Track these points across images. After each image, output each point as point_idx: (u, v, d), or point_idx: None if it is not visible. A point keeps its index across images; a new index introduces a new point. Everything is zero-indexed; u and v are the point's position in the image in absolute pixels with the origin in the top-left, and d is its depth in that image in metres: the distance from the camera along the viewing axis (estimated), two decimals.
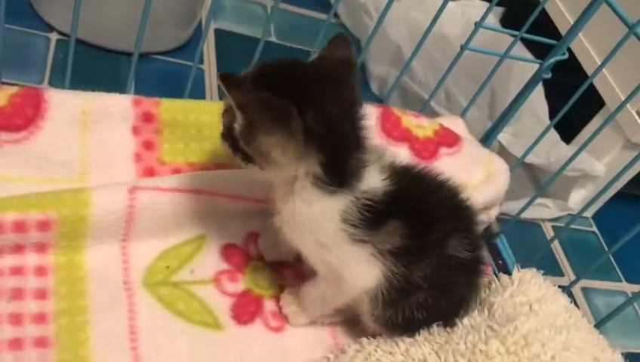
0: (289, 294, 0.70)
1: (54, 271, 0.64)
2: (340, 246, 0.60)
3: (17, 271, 0.63)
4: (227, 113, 0.59)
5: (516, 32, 0.85)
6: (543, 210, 1.14)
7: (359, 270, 0.61)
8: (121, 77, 1.00)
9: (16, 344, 0.59)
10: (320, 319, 0.70)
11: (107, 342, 0.61)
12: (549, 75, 0.87)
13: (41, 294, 0.63)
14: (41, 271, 0.64)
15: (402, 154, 0.82)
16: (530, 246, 1.05)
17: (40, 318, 0.61)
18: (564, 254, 1.14)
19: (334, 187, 0.58)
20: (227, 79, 0.54)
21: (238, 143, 0.58)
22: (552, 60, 0.85)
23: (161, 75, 1.04)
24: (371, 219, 0.59)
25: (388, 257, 0.61)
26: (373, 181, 0.60)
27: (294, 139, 0.55)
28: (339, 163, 0.58)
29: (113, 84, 0.98)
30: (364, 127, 0.60)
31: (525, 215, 1.05)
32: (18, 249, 0.63)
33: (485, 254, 0.71)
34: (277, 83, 0.56)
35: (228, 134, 0.59)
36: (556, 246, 1.15)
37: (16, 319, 0.60)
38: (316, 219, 0.59)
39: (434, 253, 0.62)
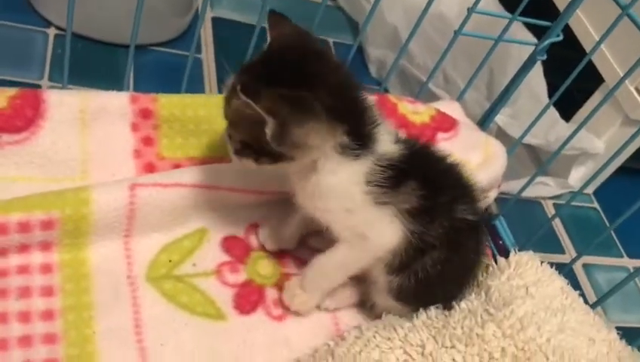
0: (289, 288, 0.71)
1: (60, 269, 0.66)
2: (365, 208, 0.63)
3: (24, 269, 0.65)
4: (237, 127, 0.61)
5: (510, 15, 0.85)
6: (544, 189, 1.15)
7: (383, 229, 0.64)
8: (120, 69, 1.01)
9: (25, 341, 0.61)
10: (325, 303, 0.72)
11: (113, 337, 0.63)
12: (544, 57, 0.87)
13: (48, 291, 0.64)
14: (46, 268, 0.66)
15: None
16: (531, 225, 1.06)
17: (47, 315, 0.63)
18: (565, 231, 1.15)
19: (359, 151, 0.61)
20: (249, 91, 0.56)
21: (264, 150, 0.59)
22: (546, 43, 0.84)
23: (159, 67, 1.04)
24: (392, 179, 0.62)
25: (406, 216, 0.63)
26: (388, 144, 0.64)
27: (321, 120, 0.58)
28: (360, 127, 0.62)
29: (112, 77, 0.99)
30: (364, 91, 0.64)
31: (526, 193, 1.06)
32: (23, 248, 0.65)
33: (485, 230, 0.73)
34: (281, 77, 0.58)
35: (246, 147, 0.61)
36: (557, 223, 1.15)
37: (24, 317, 0.62)
38: (343, 186, 0.62)
39: (445, 214, 0.65)
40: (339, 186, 0.62)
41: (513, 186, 1.01)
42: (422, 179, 0.64)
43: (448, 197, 0.66)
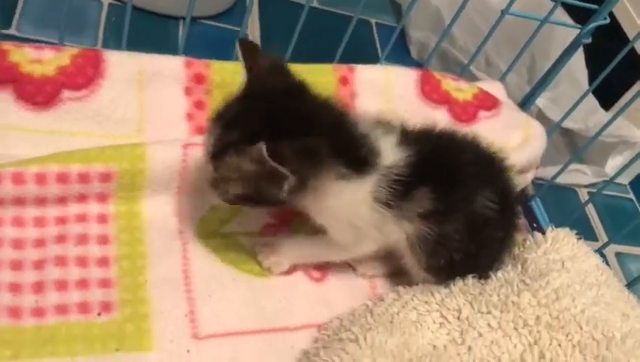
0: (264, 246, 0.72)
1: (115, 219, 0.70)
2: (373, 223, 0.64)
3: (82, 218, 0.68)
4: (232, 183, 0.60)
5: None
6: (580, 176, 1.15)
7: (386, 234, 0.65)
8: (169, 40, 1.04)
9: (83, 284, 0.64)
10: (361, 270, 0.74)
11: (164, 286, 0.66)
12: (589, 40, 0.87)
13: (104, 240, 0.68)
14: (102, 218, 0.69)
15: (441, 117, 0.85)
16: (566, 211, 1.07)
17: (103, 261, 0.66)
18: (599, 220, 1.15)
19: (358, 173, 0.61)
20: (276, 153, 0.55)
21: (267, 199, 0.60)
22: (592, 25, 0.85)
23: (207, 39, 1.07)
24: (401, 191, 0.62)
25: (417, 220, 0.64)
26: (392, 154, 0.63)
27: (329, 165, 0.59)
28: (357, 152, 0.61)
29: (161, 47, 1.02)
30: (348, 113, 0.64)
31: (562, 180, 1.07)
32: (82, 198, 0.69)
33: (518, 207, 0.74)
34: (283, 128, 0.58)
35: (242, 199, 0.61)
36: (591, 211, 1.16)
37: (82, 261, 0.66)
38: (348, 207, 0.62)
39: (461, 210, 0.66)
40: (344, 208, 0.62)
41: (549, 172, 1.02)
42: (434, 181, 0.63)
43: (465, 191, 0.66)
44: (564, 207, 1.11)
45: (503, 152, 0.72)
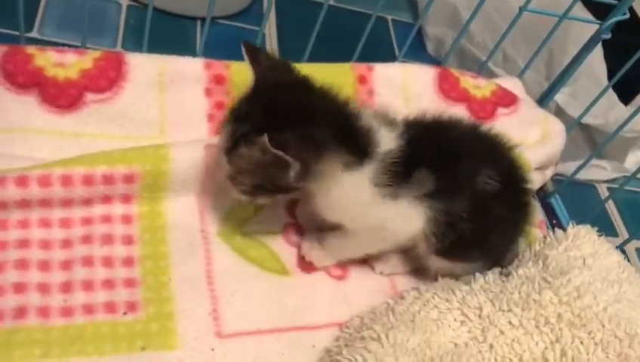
0: (308, 241, 0.73)
1: (138, 220, 0.71)
2: (378, 207, 0.65)
3: (107, 219, 0.70)
4: (247, 174, 0.63)
5: None
6: (599, 172, 1.14)
7: (402, 219, 0.66)
8: (187, 40, 1.05)
9: (109, 284, 0.65)
10: (380, 268, 0.75)
11: (187, 285, 0.68)
12: (609, 36, 0.87)
13: (128, 240, 0.69)
14: (126, 219, 0.70)
15: (459, 115, 0.85)
16: (585, 208, 1.06)
17: (128, 261, 0.68)
18: (620, 215, 1.14)
19: (359, 161, 0.63)
20: (277, 142, 0.58)
21: (280, 187, 0.63)
22: (612, 20, 0.85)
23: (224, 39, 1.08)
24: (400, 173, 0.64)
25: (425, 200, 0.65)
26: (388, 141, 0.65)
27: (332, 150, 0.62)
28: (358, 140, 0.64)
29: (179, 47, 1.03)
30: (350, 102, 0.67)
31: (581, 176, 1.06)
32: (107, 199, 0.70)
33: (528, 185, 0.73)
34: (288, 120, 0.61)
35: (259, 189, 0.64)
36: (611, 207, 1.15)
37: (107, 261, 0.67)
38: (351, 195, 0.64)
39: (465, 188, 0.67)
40: (347, 196, 0.64)
41: (568, 168, 1.02)
42: (433, 162, 0.65)
43: (466, 169, 0.67)
44: (583, 203, 1.11)
45: (502, 134, 0.73)
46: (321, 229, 0.72)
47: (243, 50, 0.66)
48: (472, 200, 0.66)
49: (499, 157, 0.71)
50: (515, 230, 0.73)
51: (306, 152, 0.60)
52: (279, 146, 0.58)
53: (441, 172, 0.65)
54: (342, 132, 0.63)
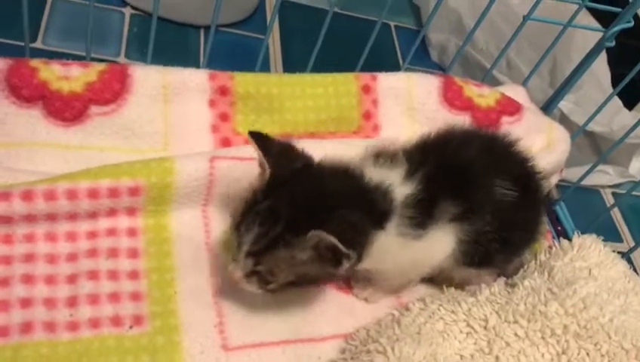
0: (358, 282, 0.73)
1: (144, 233, 0.71)
2: (408, 251, 0.65)
3: (112, 232, 0.70)
4: (282, 273, 0.61)
5: (579, 1, 0.85)
6: (604, 177, 1.14)
7: (433, 250, 0.67)
8: (190, 48, 1.05)
9: (114, 297, 0.65)
10: (356, 292, 0.74)
11: (192, 297, 0.68)
12: (613, 44, 0.87)
13: (133, 253, 0.69)
14: (132, 232, 0.70)
15: (464, 124, 0.84)
16: (589, 213, 1.06)
17: (133, 275, 0.68)
18: (624, 221, 1.14)
19: (384, 224, 0.63)
20: (349, 242, 0.57)
21: (315, 279, 0.64)
22: (616, 29, 0.84)
23: (228, 47, 1.08)
24: (421, 213, 0.64)
25: (451, 225, 0.66)
26: (403, 188, 0.64)
27: (369, 226, 0.61)
28: (382, 205, 0.63)
29: (183, 55, 1.04)
30: (358, 170, 0.65)
31: (585, 181, 1.06)
32: (112, 212, 0.70)
33: (539, 181, 0.74)
34: (330, 215, 0.59)
35: (289, 284, 0.63)
36: (616, 213, 1.15)
37: (113, 275, 0.67)
38: (381, 254, 0.63)
39: (486, 203, 0.67)
40: (377, 258, 0.63)
41: (573, 174, 1.02)
42: (452, 189, 0.65)
43: (482, 187, 0.67)
44: (587, 208, 1.10)
45: (508, 135, 0.73)
46: None
47: (251, 142, 0.64)
48: (493, 212, 0.67)
49: (507, 161, 0.71)
50: (535, 228, 0.74)
51: (359, 240, 0.59)
52: (345, 242, 0.57)
53: (460, 196, 0.65)
54: (368, 205, 0.62)
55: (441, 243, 0.66)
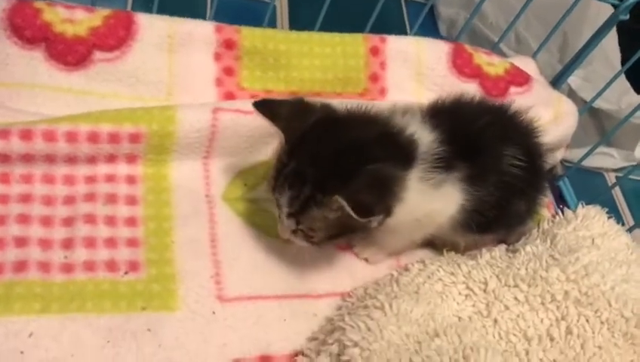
0: (361, 240, 0.72)
1: (143, 181, 0.70)
2: (425, 200, 0.64)
3: (111, 178, 0.69)
4: (322, 229, 0.61)
5: None
6: (608, 160, 1.13)
7: (444, 206, 0.66)
8: (197, 9, 1.03)
9: (111, 242, 0.65)
10: (357, 251, 0.73)
11: (190, 247, 0.67)
12: (627, 17, 0.85)
13: (132, 200, 0.68)
14: (131, 180, 0.70)
15: (471, 91, 0.83)
16: (593, 196, 1.05)
17: (131, 221, 0.67)
18: (627, 204, 1.13)
19: (410, 169, 0.62)
20: (365, 210, 0.57)
21: (354, 228, 0.62)
22: (631, 1, 0.83)
23: (233, 8, 1.06)
24: (439, 165, 0.63)
25: (461, 183, 0.65)
26: (426, 142, 0.64)
27: (398, 177, 0.61)
28: (406, 154, 0.62)
29: (189, 14, 1.02)
30: (381, 116, 0.65)
31: (590, 164, 1.05)
32: (111, 158, 0.69)
33: (544, 159, 0.74)
34: (358, 171, 0.58)
35: (333, 236, 0.63)
36: (619, 196, 1.14)
37: (110, 220, 0.66)
38: (403, 206, 0.62)
39: (492, 171, 0.66)
40: (406, 209, 0.62)
41: (577, 154, 1.01)
42: (464, 151, 0.64)
43: (492, 153, 0.67)
44: (591, 191, 1.09)
45: (517, 107, 0.72)
46: None
47: (257, 112, 0.63)
48: (497, 182, 0.66)
49: (518, 133, 0.70)
50: (535, 199, 0.73)
51: (384, 199, 0.58)
52: (362, 212, 0.56)
53: (469, 159, 0.65)
54: (396, 151, 0.61)
55: (452, 197, 0.65)
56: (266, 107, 0.63)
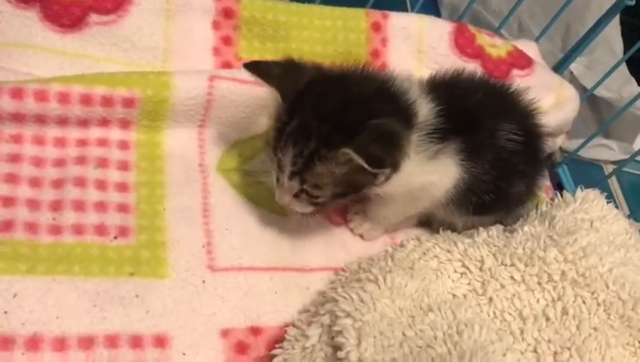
0: (356, 215, 0.72)
1: (136, 147, 0.68)
2: (421, 171, 0.63)
3: (103, 142, 0.67)
4: (328, 186, 0.60)
5: None
6: (607, 152, 1.12)
7: (439, 178, 0.65)
8: None
9: (101, 206, 0.63)
10: (353, 226, 0.72)
11: (181, 216, 0.65)
12: (633, 2, 0.84)
13: (124, 166, 0.67)
14: (124, 145, 0.68)
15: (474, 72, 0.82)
16: (590, 187, 1.04)
17: (122, 187, 0.65)
18: (624, 197, 1.12)
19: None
20: (377, 161, 0.56)
21: (359, 188, 0.61)
22: None
23: None
24: (436, 136, 0.62)
25: (458, 156, 0.64)
26: (425, 110, 0.63)
27: (404, 133, 0.60)
28: (407, 116, 0.61)
29: None
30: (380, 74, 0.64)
31: (588, 155, 1.04)
32: (104, 122, 0.67)
33: (542, 138, 0.72)
34: (361, 127, 0.57)
35: (337, 196, 0.61)
36: (616, 189, 1.13)
37: (100, 184, 0.64)
38: (399, 176, 0.61)
39: (488, 147, 0.65)
40: (404, 175, 0.61)
41: (576, 145, 1.00)
42: (461, 124, 0.63)
43: (488, 129, 0.66)
44: (589, 183, 1.08)
45: (517, 87, 0.71)
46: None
47: (248, 73, 0.62)
48: (493, 161, 0.65)
49: (515, 110, 0.69)
50: (532, 184, 0.72)
51: (393, 152, 0.57)
52: (373, 163, 0.55)
53: (466, 133, 0.64)
54: (398, 110, 0.60)
55: (448, 170, 0.64)
56: (258, 67, 0.62)
